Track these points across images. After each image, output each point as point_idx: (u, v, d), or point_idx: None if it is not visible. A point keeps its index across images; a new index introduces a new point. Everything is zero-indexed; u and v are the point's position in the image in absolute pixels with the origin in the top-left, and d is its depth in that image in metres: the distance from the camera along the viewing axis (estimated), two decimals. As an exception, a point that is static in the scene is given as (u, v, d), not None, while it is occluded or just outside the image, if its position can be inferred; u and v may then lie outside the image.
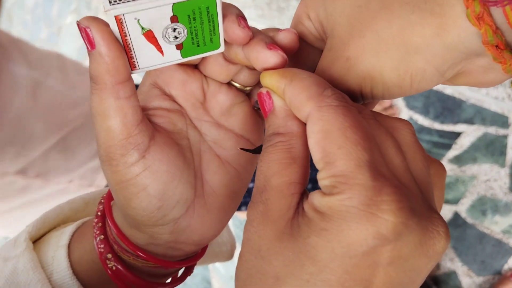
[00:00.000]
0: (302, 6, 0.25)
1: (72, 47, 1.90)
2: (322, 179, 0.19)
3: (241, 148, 0.27)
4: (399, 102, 1.14)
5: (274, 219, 0.19)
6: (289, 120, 0.21)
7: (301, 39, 0.26)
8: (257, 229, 0.20)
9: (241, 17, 0.23)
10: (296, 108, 0.20)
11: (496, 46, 0.19)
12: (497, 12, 0.18)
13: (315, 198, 0.19)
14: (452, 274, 1.13)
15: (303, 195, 0.20)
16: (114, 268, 0.27)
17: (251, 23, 1.37)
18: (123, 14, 0.20)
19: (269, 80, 0.22)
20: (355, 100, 0.23)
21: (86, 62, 1.84)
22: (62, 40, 1.94)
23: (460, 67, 0.21)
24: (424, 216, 0.18)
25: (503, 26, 0.18)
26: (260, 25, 1.37)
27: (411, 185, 0.19)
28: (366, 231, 0.17)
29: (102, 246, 0.27)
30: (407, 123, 0.21)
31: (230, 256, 0.48)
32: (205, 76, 0.26)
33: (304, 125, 0.21)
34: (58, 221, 0.33)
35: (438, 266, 1.15)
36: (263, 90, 0.22)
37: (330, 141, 0.18)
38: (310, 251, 0.18)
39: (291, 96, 0.20)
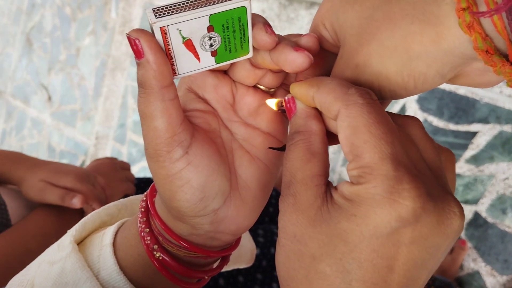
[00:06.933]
0: (318, 16, 0.27)
1: (90, 67, 1.96)
2: (351, 169, 0.21)
3: (269, 147, 0.29)
4: (413, 105, 1.16)
5: (304, 208, 0.22)
6: (309, 120, 0.24)
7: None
8: (290, 217, 0.22)
9: (267, 25, 0.25)
10: (326, 109, 0.23)
11: (486, 51, 0.20)
12: (486, 20, 0.20)
13: (344, 187, 0.21)
14: (475, 275, 1.12)
15: (328, 185, 0.23)
16: (160, 258, 0.29)
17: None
18: (167, 26, 0.22)
19: (299, 90, 0.25)
20: None
21: (103, 81, 1.89)
22: (81, 61, 2.00)
23: (459, 69, 0.23)
24: (440, 199, 0.21)
25: (492, 33, 0.20)
26: (272, 37, 1.40)
27: (426, 172, 0.22)
28: (389, 215, 0.20)
29: (148, 238, 0.29)
30: (416, 118, 0.24)
31: (250, 261, 0.50)
32: (233, 80, 0.29)
33: (322, 124, 0.24)
34: (96, 226, 0.35)
35: (461, 267, 1.14)
36: (288, 97, 0.26)
37: (357, 136, 0.21)
38: (341, 234, 0.21)
39: (320, 100, 0.23)
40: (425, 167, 0.22)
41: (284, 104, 0.26)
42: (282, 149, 0.29)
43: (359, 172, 0.21)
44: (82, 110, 1.99)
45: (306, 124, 0.24)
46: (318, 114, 0.25)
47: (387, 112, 0.24)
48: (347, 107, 0.22)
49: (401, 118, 0.24)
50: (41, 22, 2.21)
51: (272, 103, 0.29)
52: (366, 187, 0.20)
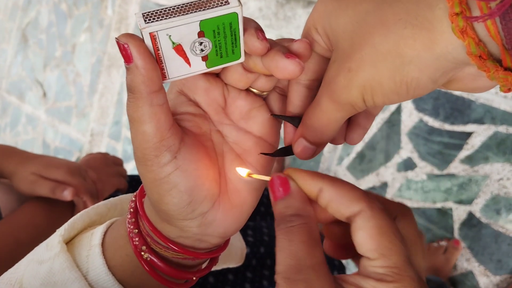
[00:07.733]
0: (311, 20, 0.27)
1: (86, 64, 1.95)
2: (377, 267, 0.23)
3: (261, 153, 0.29)
4: (409, 105, 1.16)
5: None
6: (307, 205, 0.26)
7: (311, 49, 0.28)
8: None
9: (259, 30, 0.25)
10: (342, 204, 0.25)
11: (480, 56, 0.20)
12: (479, 25, 0.20)
13: (368, 284, 0.23)
14: (469, 274, 1.13)
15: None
16: (148, 259, 0.29)
17: (259, 33, 1.40)
18: (157, 31, 0.22)
19: (302, 178, 0.26)
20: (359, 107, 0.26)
21: (99, 78, 1.89)
22: (77, 58, 1.99)
23: (451, 75, 0.23)
24: None
25: (485, 38, 0.20)
26: (268, 35, 1.40)
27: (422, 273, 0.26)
28: None
29: (137, 239, 0.29)
30: (409, 209, 0.26)
31: (241, 260, 0.50)
32: (225, 83, 0.29)
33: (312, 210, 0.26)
34: (85, 225, 0.35)
35: (455, 267, 1.15)
36: (280, 176, 0.26)
37: (384, 237, 0.23)
38: None
39: (334, 195, 0.25)
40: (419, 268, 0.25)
41: (271, 182, 0.26)
42: (274, 154, 0.29)
43: (387, 271, 0.23)
44: (77, 107, 1.99)
45: (306, 208, 0.25)
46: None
47: (379, 195, 0.26)
48: (371, 209, 0.24)
49: (395, 207, 0.26)
50: (37, 18, 2.20)
51: (243, 172, 0.29)
52: (395, 286, 0.22)
